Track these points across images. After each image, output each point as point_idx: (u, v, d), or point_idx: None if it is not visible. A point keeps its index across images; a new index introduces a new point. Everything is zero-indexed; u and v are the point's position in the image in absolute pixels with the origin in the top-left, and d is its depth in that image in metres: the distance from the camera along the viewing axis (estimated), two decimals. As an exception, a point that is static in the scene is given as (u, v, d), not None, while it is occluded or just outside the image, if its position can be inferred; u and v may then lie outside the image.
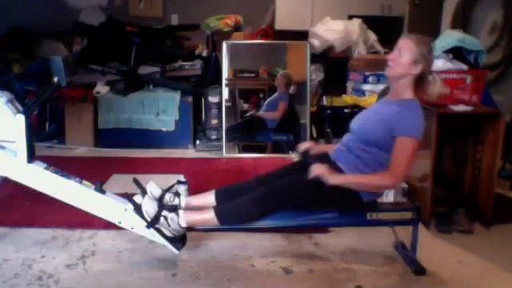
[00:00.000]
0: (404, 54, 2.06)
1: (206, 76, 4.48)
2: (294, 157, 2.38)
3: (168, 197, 2.17)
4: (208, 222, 2.10)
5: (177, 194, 2.22)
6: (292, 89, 4.25)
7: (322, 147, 2.42)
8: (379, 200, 3.06)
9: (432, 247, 2.46)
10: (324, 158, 2.21)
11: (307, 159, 2.25)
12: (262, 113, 4.27)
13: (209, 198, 2.26)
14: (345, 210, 2.17)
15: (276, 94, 4.25)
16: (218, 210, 2.09)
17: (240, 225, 2.17)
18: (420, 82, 2.10)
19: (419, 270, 2.20)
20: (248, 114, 4.31)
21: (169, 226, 2.09)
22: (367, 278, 2.16)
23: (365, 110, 2.34)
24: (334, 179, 2.03)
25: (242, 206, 2.09)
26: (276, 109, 4.25)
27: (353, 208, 2.16)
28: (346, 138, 2.24)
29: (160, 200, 2.14)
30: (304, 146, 2.39)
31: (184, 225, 2.10)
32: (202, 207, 2.18)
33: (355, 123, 2.25)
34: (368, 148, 2.10)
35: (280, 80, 4.23)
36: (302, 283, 2.13)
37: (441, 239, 2.57)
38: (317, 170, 2.05)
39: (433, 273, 2.21)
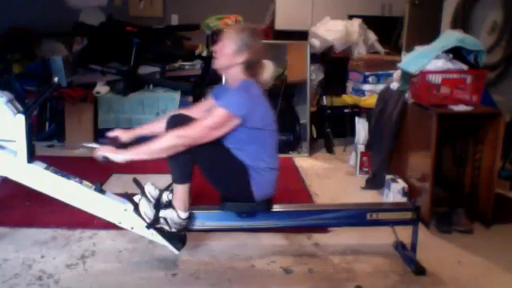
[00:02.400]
0: (226, 45, 2.06)
1: (205, 76, 4.48)
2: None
3: (165, 195, 2.16)
4: (178, 190, 2.07)
5: (173, 191, 2.21)
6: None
7: (131, 133, 2.31)
8: (379, 200, 3.08)
9: (432, 247, 2.46)
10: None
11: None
12: None
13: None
14: (240, 209, 2.17)
15: None
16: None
17: (188, 170, 2.08)
18: (250, 69, 2.08)
19: (419, 270, 2.20)
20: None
21: (170, 224, 2.09)
22: (367, 278, 2.16)
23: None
24: (119, 157, 2.02)
25: (174, 158, 2.03)
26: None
27: (245, 207, 2.15)
28: None
29: (158, 200, 2.13)
30: (112, 133, 2.30)
31: (183, 215, 2.09)
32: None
33: None
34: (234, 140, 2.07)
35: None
36: (302, 283, 2.13)
37: (441, 239, 2.57)
38: (99, 151, 2.05)
39: (433, 273, 2.21)
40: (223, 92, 2.17)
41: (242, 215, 2.18)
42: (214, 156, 2.06)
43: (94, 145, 2.12)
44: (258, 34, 2.13)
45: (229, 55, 2.06)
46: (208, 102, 2.30)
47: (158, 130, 2.21)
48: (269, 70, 2.17)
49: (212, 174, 2.10)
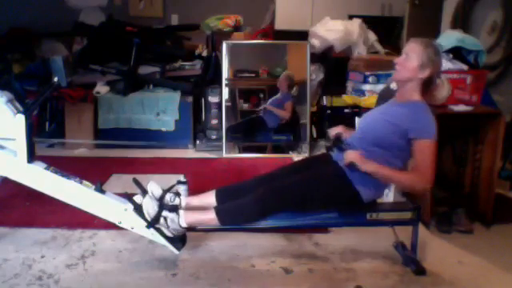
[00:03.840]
0: (411, 58, 2.06)
1: (205, 76, 4.48)
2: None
3: (168, 197, 2.17)
4: (208, 222, 2.11)
5: (177, 194, 2.22)
6: (294, 90, 4.25)
7: (352, 131, 2.35)
8: (379, 200, 3.07)
9: (432, 247, 2.46)
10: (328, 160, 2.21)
11: (333, 147, 2.22)
12: (271, 107, 4.24)
13: (209, 198, 2.26)
14: (345, 211, 2.17)
15: (279, 95, 4.25)
16: (218, 211, 2.09)
17: (240, 225, 2.18)
18: (427, 85, 2.10)
19: (419, 270, 2.20)
20: (260, 108, 4.25)
21: (168, 226, 2.09)
22: (367, 278, 2.16)
23: (372, 110, 2.34)
24: (367, 166, 2.02)
25: (243, 207, 2.09)
26: (282, 109, 4.25)
27: (353, 208, 2.15)
28: (352, 136, 2.23)
29: (160, 200, 2.14)
30: (334, 130, 2.32)
31: (184, 225, 2.10)
32: (203, 207, 2.18)
33: (363, 121, 2.26)
34: (371, 148, 2.09)
35: (283, 81, 4.23)
36: (302, 283, 2.13)
37: (441, 239, 2.57)
38: (351, 155, 2.05)
39: (433, 273, 2.21)
40: (393, 105, 2.17)
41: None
42: (303, 186, 2.07)
43: (349, 152, 2.10)
44: (440, 52, 2.13)
45: (412, 69, 2.06)
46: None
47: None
48: (446, 88, 2.18)
49: (316, 198, 2.10)
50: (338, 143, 2.22)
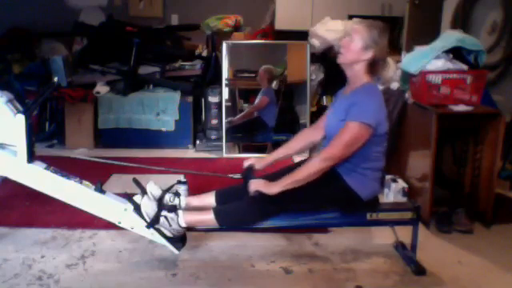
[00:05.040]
0: (355, 40, 2.06)
1: (205, 76, 4.48)
2: (232, 177, 2.38)
3: (168, 197, 2.17)
4: (207, 223, 2.11)
5: (177, 194, 2.22)
6: (275, 84, 4.24)
7: (266, 160, 2.36)
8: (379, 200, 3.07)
9: (432, 247, 2.46)
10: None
11: (249, 176, 2.21)
12: (237, 119, 4.26)
13: (209, 199, 2.27)
14: (346, 211, 2.17)
15: (262, 90, 4.26)
16: (217, 212, 2.09)
17: (239, 226, 2.17)
18: (373, 66, 2.08)
19: (419, 270, 2.20)
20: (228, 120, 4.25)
21: (169, 226, 2.09)
22: (367, 278, 2.16)
23: (328, 110, 2.34)
24: (272, 189, 2.02)
25: (242, 209, 2.10)
26: (260, 102, 4.27)
27: (353, 208, 2.15)
28: (324, 142, 2.24)
29: (160, 200, 2.13)
30: (247, 162, 2.34)
31: (184, 225, 2.10)
32: (202, 208, 2.18)
33: (325, 125, 2.26)
34: None
35: (262, 75, 4.22)
36: (301, 283, 2.13)
37: (441, 239, 2.57)
38: (254, 184, 2.06)
39: (433, 273, 2.21)
40: (342, 99, 2.16)
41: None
42: (300, 189, 2.04)
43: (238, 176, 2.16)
44: (385, 32, 2.12)
45: (356, 51, 2.05)
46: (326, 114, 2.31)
47: (291, 152, 2.32)
48: (391, 67, 2.16)
49: (313, 201, 2.10)
50: (248, 173, 2.25)
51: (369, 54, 2.04)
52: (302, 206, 2.12)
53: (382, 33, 2.07)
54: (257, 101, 4.29)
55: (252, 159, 2.34)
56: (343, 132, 1.99)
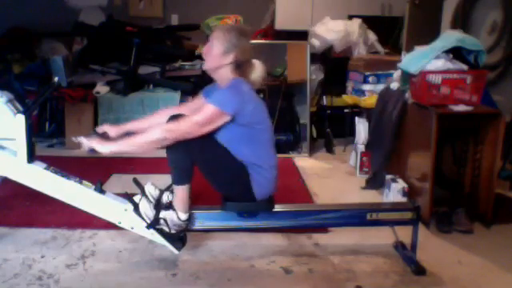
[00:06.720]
0: (214, 46, 2.07)
1: (205, 76, 4.47)
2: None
3: (165, 196, 2.16)
4: (179, 192, 2.07)
5: (173, 192, 2.21)
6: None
7: (119, 129, 2.32)
8: (379, 200, 3.08)
9: (432, 247, 2.46)
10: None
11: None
12: None
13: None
14: (242, 209, 2.17)
15: None
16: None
17: (188, 172, 2.08)
18: (238, 69, 2.09)
19: (419, 270, 2.20)
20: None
21: (169, 227, 2.09)
22: (367, 278, 2.16)
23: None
24: (104, 148, 2.04)
25: (173, 159, 2.07)
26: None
27: (247, 207, 2.15)
28: None
29: (158, 200, 2.13)
30: (100, 128, 2.31)
31: (183, 216, 2.09)
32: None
33: None
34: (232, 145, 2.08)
35: None
36: (301, 283, 2.13)
37: (441, 239, 2.57)
38: (86, 143, 2.06)
39: (433, 273, 2.21)
40: (214, 91, 2.17)
41: (243, 215, 2.18)
42: (214, 156, 2.06)
43: (81, 138, 2.10)
44: (246, 34, 2.13)
45: (217, 56, 2.06)
46: (198, 101, 2.30)
47: (146, 126, 2.22)
48: (258, 69, 2.17)
49: (212, 174, 2.10)
50: (91, 133, 2.23)
51: (230, 58, 2.05)
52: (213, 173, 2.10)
53: (242, 35, 2.08)
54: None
55: (106, 126, 2.31)
56: (197, 112, 2.00)
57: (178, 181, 2.08)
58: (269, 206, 2.19)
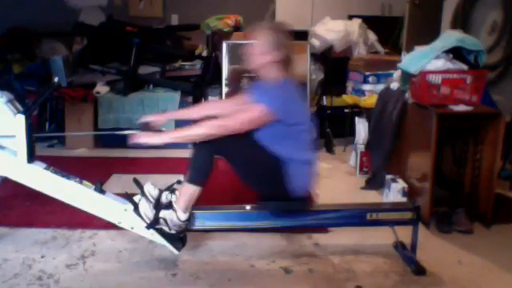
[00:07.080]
0: (258, 45, 2.09)
1: (205, 76, 4.48)
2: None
3: (165, 196, 2.16)
4: (188, 190, 2.08)
5: (173, 191, 2.21)
6: (244, 83, 4.21)
7: (161, 117, 2.35)
8: (379, 200, 3.08)
9: (432, 247, 2.46)
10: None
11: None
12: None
13: None
14: (280, 209, 2.18)
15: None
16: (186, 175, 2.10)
17: (206, 174, 2.11)
18: (283, 66, 2.12)
19: (419, 270, 2.20)
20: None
21: (169, 227, 2.09)
22: (367, 278, 2.16)
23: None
24: (152, 140, 2.06)
25: (197, 157, 2.09)
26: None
27: (285, 206, 2.17)
28: None
29: (158, 200, 2.13)
30: (143, 119, 2.32)
31: (183, 217, 2.09)
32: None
33: None
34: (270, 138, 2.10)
35: (231, 76, 4.19)
36: (301, 283, 2.13)
37: (441, 239, 2.57)
38: (136, 136, 2.07)
39: (433, 273, 2.20)
40: (259, 88, 2.17)
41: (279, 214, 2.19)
42: (249, 152, 2.08)
43: (129, 131, 2.14)
44: (285, 31, 2.18)
45: (261, 55, 2.08)
46: (241, 97, 2.31)
47: (193, 116, 2.28)
48: (299, 64, 2.18)
49: (247, 171, 2.12)
50: (144, 127, 2.25)
51: (274, 56, 2.08)
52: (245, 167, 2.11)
53: (283, 33, 2.14)
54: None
55: (149, 116, 2.33)
56: (245, 110, 2.03)
57: (193, 179, 2.08)
58: (305, 206, 2.20)
